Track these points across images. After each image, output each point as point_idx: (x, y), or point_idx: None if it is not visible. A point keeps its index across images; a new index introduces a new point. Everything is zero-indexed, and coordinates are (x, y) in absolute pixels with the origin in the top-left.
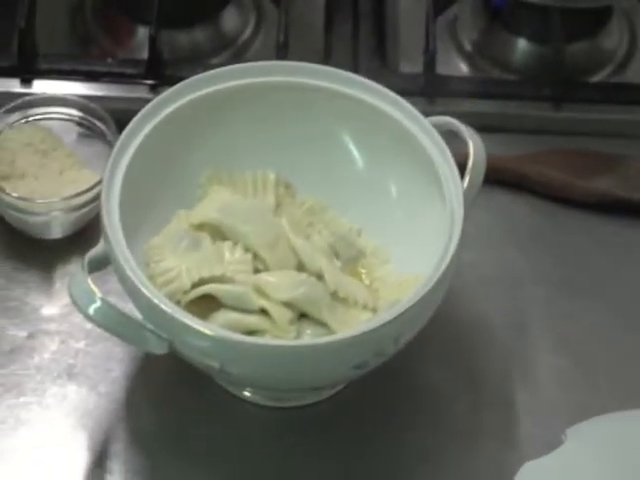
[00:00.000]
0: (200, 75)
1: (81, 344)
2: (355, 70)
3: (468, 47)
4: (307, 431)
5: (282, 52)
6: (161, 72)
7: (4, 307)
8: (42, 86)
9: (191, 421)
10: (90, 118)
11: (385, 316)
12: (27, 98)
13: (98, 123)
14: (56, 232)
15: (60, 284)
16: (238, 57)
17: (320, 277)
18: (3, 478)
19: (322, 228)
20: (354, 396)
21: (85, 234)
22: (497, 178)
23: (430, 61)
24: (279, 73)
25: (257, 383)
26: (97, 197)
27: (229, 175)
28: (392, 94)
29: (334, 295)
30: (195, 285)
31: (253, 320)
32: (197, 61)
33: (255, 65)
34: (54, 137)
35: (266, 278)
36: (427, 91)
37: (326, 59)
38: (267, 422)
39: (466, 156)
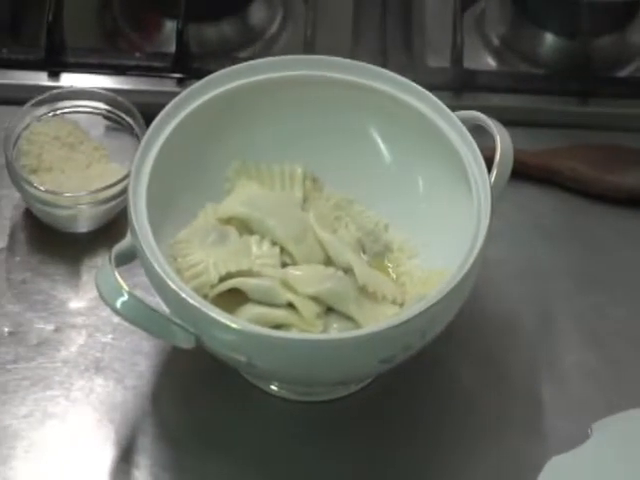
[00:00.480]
0: (227, 69)
1: (108, 338)
2: (383, 64)
3: (495, 41)
4: (334, 425)
5: (309, 46)
6: (188, 66)
7: (31, 300)
8: (70, 79)
9: (217, 415)
10: (117, 112)
11: (412, 310)
12: (55, 91)
13: (125, 117)
14: (83, 225)
15: (87, 277)
16: (265, 51)
17: (347, 271)
18: (30, 471)
19: (349, 222)
20: (381, 390)
21: (112, 228)
22: (524, 172)
23: (458, 55)
24: (306, 67)
25: (284, 377)
26: (124, 191)
27: (256, 169)
28: (419, 88)
29: (361, 289)
30: (222, 279)
31: (280, 314)
32: (224, 55)
33: (282, 59)
34: (81, 130)
35: (293, 272)
36: (454, 85)
37: (353, 53)
38: (294, 416)
39: (493, 150)
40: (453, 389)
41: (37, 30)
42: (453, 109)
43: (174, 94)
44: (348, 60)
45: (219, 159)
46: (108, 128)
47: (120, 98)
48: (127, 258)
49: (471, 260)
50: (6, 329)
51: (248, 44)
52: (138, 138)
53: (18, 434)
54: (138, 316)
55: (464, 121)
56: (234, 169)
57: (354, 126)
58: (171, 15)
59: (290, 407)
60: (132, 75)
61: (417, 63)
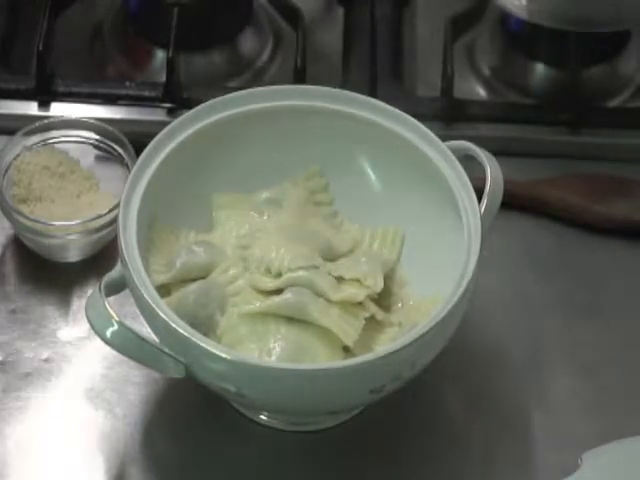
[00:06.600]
0: (217, 98)
1: (98, 367)
2: (373, 94)
3: (486, 71)
4: (323, 455)
5: (300, 76)
6: (179, 95)
7: (22, 330)
8: (60, 109)
9: (207, 445)
10: (107, 141)
11: (402, 340)
12: (45, 121)
13: (116, 146)
14: (73, 255)
15: (78, 307)
16: (256, 80)
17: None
18: None
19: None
20: (370, 420)
21: (102, 257)
22: (514, 203)
23: (448, 85)
24: (296, 97)
25: (273, 407)
26: (114, 220)
27: (244, 198)
28: (410, 118)
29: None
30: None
31: None
32: (215, 84)
33: (272, 89)
34: (71, 160)
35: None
36: (445, 115)
37: (344, 83)
38: (284, 446)
39: (483, 180)
40: (441, 419)
41: (27, 59)
42: (443, 139)
43: (164, 123)
44: (338, 90)
45: (208, 189)
46: (98, 158)
47: (110, 128)
48: (118, 287)
49: (461, 290)
50: None
51: (238, 74)
52: (128, 167)
53: (7, 464)
54: (128, 346)
55: (454, 151)
56: (222, 199)
57: (343, 156)
58: (161, 44)
59: (279, 437)
60: (122, 105)
61: (407, 93)
